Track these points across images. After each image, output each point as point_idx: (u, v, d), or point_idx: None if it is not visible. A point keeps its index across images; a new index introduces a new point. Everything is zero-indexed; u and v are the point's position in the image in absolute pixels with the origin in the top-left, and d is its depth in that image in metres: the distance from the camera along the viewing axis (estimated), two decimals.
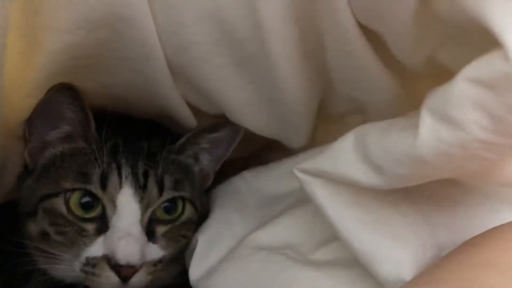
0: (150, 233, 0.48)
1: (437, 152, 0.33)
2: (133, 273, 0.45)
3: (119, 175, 0.47)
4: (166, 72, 0.45)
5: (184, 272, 0.51)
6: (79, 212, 0.46)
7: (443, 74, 0.40)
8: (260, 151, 0.63)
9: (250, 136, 0.55)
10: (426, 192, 0.42)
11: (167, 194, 0.49)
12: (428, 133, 0.33)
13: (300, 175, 0.43)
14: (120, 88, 0.48)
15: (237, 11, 0.41)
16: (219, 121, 0.53)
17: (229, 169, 0.58)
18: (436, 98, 0.34)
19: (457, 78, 0.32)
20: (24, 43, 0.41)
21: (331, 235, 0.44)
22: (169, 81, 0.46)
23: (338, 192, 0.41)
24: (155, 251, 0.48)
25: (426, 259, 0.39)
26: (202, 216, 0.53)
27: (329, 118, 0.54)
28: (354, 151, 0.39)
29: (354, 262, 0.41)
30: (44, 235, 0.47)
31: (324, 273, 0.43)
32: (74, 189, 0.46)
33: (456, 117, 0.32)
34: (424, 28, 0.38)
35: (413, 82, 0.46)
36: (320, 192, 0.41)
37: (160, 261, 0.48)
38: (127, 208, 0.46)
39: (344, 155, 0.40)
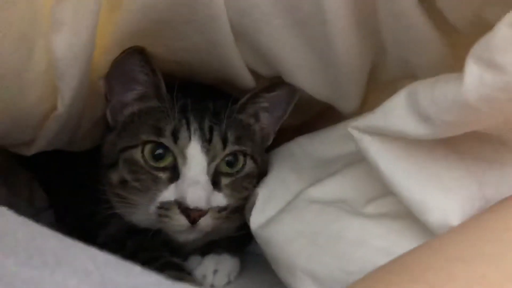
0: (215, 184, 0.53)
1: (481, 97, 0.35)
2: (200, 216, 0.50)
3: (188, 129, 0.52)
4: (229, 34, 0.49)
5: (244, 226, 0.56)
6: (152, 162, 0.52)
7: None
8: (312, 121, 0.67)
9: (304, 103, 0.58)
10: (475, 150, 0.44)
11: (230, 148, 0.53)
12: (473, 78, 0.35)
13: (355, 132, 0.46)
14: (187, 53, 0.53)
15: None
16: (277, 81, 0.56)
17: (282, 138, 0.62)
18: (480, 45, 0.36)
19: (500, 23, 0.35)
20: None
21: (382, 192, 0.47)
22: (231, 43, 0.50)
23: (391, 148, 0.44)
24: (220, 199, 0.53)
25: (474, 209, 0.41)
26: (262, 172, 0.58)
27: (380, 84, 0.57)
28: (405, 105, 0.42)
29: (403, 215, 0.44)
30: (124, 183, 0.53)
31: (374, 222, 0.46)
32: (149, 141, 0.52)
33: (498, 61, 0.34)
34: None
35: (462, 43, 0.46)
36: (373, 148, 0.44)
37: (224, 208, 0.53)
38: (195, 159, 0.51)
39: (396, 110, 0.43)
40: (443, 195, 0.42)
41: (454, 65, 0.48)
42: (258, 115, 0.59)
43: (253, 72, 0.56)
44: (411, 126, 0.41)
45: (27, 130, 0.51)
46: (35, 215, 0.77)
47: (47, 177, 0.73)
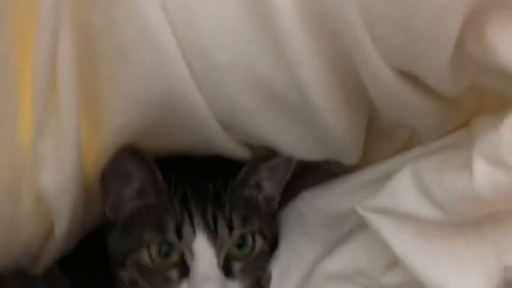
0: (227, 271, 0.52)
1: (494, 193, 0.36)
2: None
3: (192, 224, 0.51)
4: (218, 130, 0.47)
5: None
6: (160, 260, 0.51)
7: (486, 92, 0.42)
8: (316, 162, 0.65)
9: None
10: (491, 215, 0.43)
11: (237, 232, 0.52)
12: (484, 176, 0.36)
13: (363, 213, 0.45)
14: (178, 146, 0.51)
15: (276, 74, 0.42)
16: (274, 150, 0.54)
17: (289, 181, 0.60)
18: (485, 144, 0.37)
19: (504, 126, 0.36)
20: (89, 121, 0.45)
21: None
22: (222, 135, 0.48)
23: (402, 228, 0.43)
24: (235, 287, 0.52)
25: (493, 285, 0.41)
26: (273, 242, 0.57)
27: (379, 132, 0.55)
28: (413, 188, 0.42)
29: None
30: (135, 283, 0.52)
31: None
32: (153, 241, 0.51)
33: (508, 161, 0.35)
34: (460, 68, 0.39)
35: (457, 102, 0.46)
36: (385, 228, 0.44)
37: None
38: (203, 254, 0.50)
39: (403, 191, 0.43)
40: (462, 277, 0.41)
41: (449, 122, 0.48)
42: (260, 185, 0.58)
43: (250, 145, 0.54)
44: (423, 210, 0.41)
45: (27, 258, 0.51)
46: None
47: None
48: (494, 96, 0.43)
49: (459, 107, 0.46)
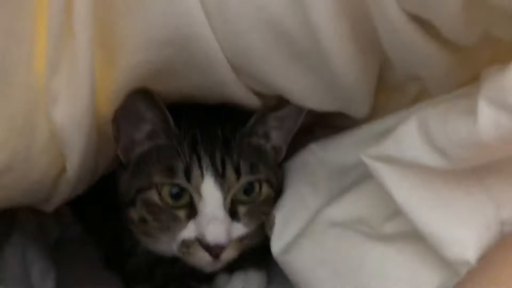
0: (233, 214, 0.53)
1: (497, 137, 0.36)
2: (222, 251, 0.52)
3: (200, 167, 0.52)
4: (229, 73, 0.48)
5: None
6: (170, 201, 0.52)
7: (498, 43, 0.42)
8: (326, 116, 0.65)
9: None
10: (493, 167, 0.43)
11: (244, 179, 0.53)
12: (487, 119, 0.36)
13: (368, 160, 0.45)
14: (190, 89, 0.52)
15: (288, 15, 0.42)
16: (284, 99, 0.54)
17: (298, 135, 0.61)
18: (491, 87, 0.37)
19: (510, 68, 0.35)
20: (103, 58, 0.46)
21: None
22: (233, 79, 0.49)
23: (405, 176, 0.44)
24: (239, 229, 0.54)
25: (490, 239, 0.42)
26: (278, 189, 0.58)
27: (390, 86, 0.55)
28: (418, 135, 0.42)
29: None
30: (144, 221, 0.54)
31: (394, 248, 0.47)
32: (163, 184, 0.52)
33: None
34: (473, 13, 0.38)
35: (469, 52, 0.46)
36: (388, 177, 0.44)
37: (244, 236, 0.54)
38: (210, 196, 0.52)
39: (408, 139, 0.43)
40: (460, 228, 0.42)
41: (461, 73, 0.48)
42: (268, 135, 0.59)
43: (259, 93, 0.55)
44: (426, 157, 0.41)
45: (41, 195, 0.52)
46: (64, 231, 0.80)
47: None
48: (507, 48, 0.42)
49: (471, 59, 0.46)
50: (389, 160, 0.44)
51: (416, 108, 0.49)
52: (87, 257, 0.73)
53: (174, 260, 0.56)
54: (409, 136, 0.42)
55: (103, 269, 0.69)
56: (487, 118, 0.36)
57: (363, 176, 0.52)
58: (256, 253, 0.61)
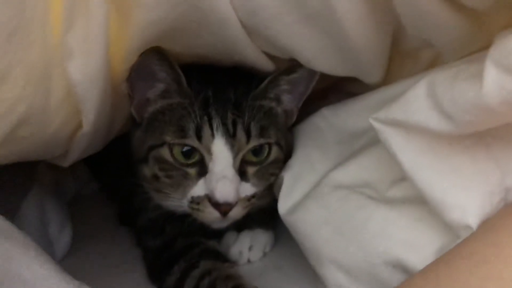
0: (242, 174, 0.55)
1: (502, 101, 0.36)
2: (231, 209, 0.53)
3: (211, 126, 0.53)
4: (241, 33, 0.48)
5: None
6: (181, 159, 0.54)
7: None
8: (339, 82, 0.65)
9: None
10: (500, 135, 0.44)
11: (254, 141, 0.55)
12: (492, 83, 0.36)
13: (375, 124, 0.46)
14: (203, 49, 0.53)
15: None
16: (296, 62, 0.55)
17: (310, 100, 0.62)
18: (499, 50, 0.36)
19: None
20: (117, 16, 0.47)
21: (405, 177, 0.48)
22: (245, 39, 0.49)
23: (411, 141, 0.44)
24: (248, 189, 0.55)
25: (493, 205, 0.42)
26: (288, 152, 0.59)
27: (403, 53, 0.55)
28: (426, 99, 0.42)
29: None
30: (156, 178, 0.56)
31: (398, 211, 0.47)
32: (174, 143, 0.54)
33: None
34: None
35: (483, 18, 0.45)
36: (394, 140, 0.45)
37: (253, 196, 0.56)
38: (220, 155, 0.53)
39: (416, 103, 0.43)
40: (464, 193, 0.42)
41: (475, 40, 0.47)
42: (279, 98, 0.59)
43: (271, 56, 0.55)
44: (433, 121, 0.41)
45: (58, 149, 0.54)
46: (80, 187, 0.83)
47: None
48: None
49: (486, 24, 0.45)
50: (396, 123, 0.44)
51: (428, 73, 0.49)
52: (102, 213, 0.77)
53: (183, 217, 0.58)
54: (417, 99, 0.43)
55: (116, 224, 0.73)
56: (493, 81, 0.35)
57: (371, 142, 0.53)
58: (264, 215, 0.63)
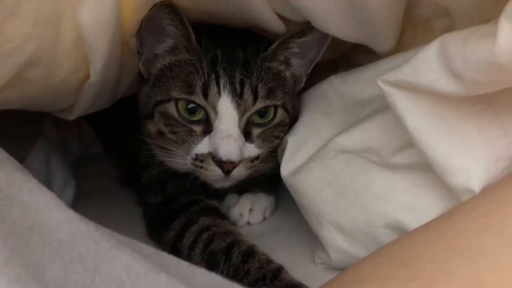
0: (247, 135, 0.55)
1: None
2: (234, 167, 0.53)
3: (218, 85, 0.53)
4: None
5: (279, 165, 0.58)
6: (186, 115, 0.54)
7: None
8: (349, 53, 0.65)
9: (338, 39, 0.56)
10: (509, 105, 0.43)
11: (261, 103, 0.54)
12: (506, 39, 0.35)
13: (383, 86, 0.45)
14: (215, 4, 0.52)
15: None
16: (307, 26, 0.54)
17: (319, 70, 0.61)
18: None
19: None
20: None
21: (410, 141, 0.47)
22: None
23: (419, 104, 0.44)
24: (252, 150, 0.55)
25: (497, 172, 0.42)
26: (294, 117, 0.59)
27: (416, 22, 0.54)
28: (437, 60, 0.41)
29: (429, 167, 0.45)
30: (161, 134, 0.56)
31: (400, 176, 0.47)
32: (180, 98, 0.54)
33: None
34: None
35: None
36: (401, 103, 0.44)
37: (256, 157, 0.56)
38: (226, 113, 0.53)
39: (426, 64, 0.42)
40: (469, 157, 0.42)
41: (489, 9, 0.46)
42: (289, 61, 0.59)
43: (283, 18, 0.54)
44: (442, 82, 0.41)
45: (65, 99, 0.54)
46: (85, 148, 0.84)
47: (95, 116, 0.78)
48: None
49: None
50: (405, 86, 0.44)
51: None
52: (105, 173, 0.77)
53: (186, 175, 0.58)
54: (428, 61, 0.42)
55: (119, 185, 0.73)
56: (507, 37, 0.35)
57: (378, 110, 0.53)
58: (266, 180, 0.63)
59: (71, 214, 0.31)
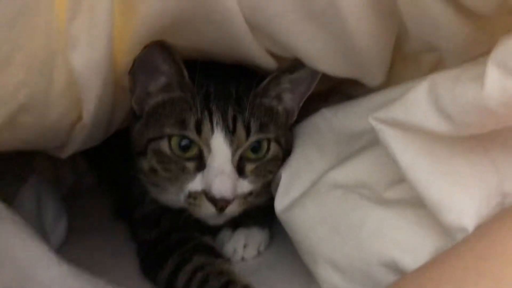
0: (240, 170, 0.55)
1: (503, 102, 0.36)
2: (227, 205, 0.53)
3: (211, 121, 0.53)
4: (245, 30, 0.49)
5: (273, 198, 0.58)
6: (179, 152, 0.54)
7: None
8: (340, 84, 0.66)
9: None
10: (500, 140, 0.44)
11: (253, 137, 0.54)
12: (494, 84, 0.36)
13: (375, 123, 0.46)
14: (206, 44, 0.53)
15: None
16: (298, 62, 0.55)
17: (311, 102, 0.62)
18: (501, 52, 0.36)
19: None
20: (123, 7, 0.47)
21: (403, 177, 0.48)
22: (249, 36, 0.50)
23: (411, 141, 0.44)
24: (245, 186, 0.55)
25: (490, 209, 0.42)
26: (287, 151, 0.59)
27: (405, 55, 0.55)
28: (427, 100, 0.42)
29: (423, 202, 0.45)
30: (154, 171, 0.56)
31: (394, 212, 0.47)
32: (174, 135, 0.54)
33: None
34: None
35: (486, 22, 0.45)
36: (393, 140, 0.45)
37: (250, 193, 0.56)
38: (219, 150, 0.53)
39: (417, 103, 0.43)
40: (461, 195, 0.42)
41: (478, 44, 0.47)
42: (280, 96, 0.59)
43: (274, 55, 0.55)
44: (432, 121, 0.41)
45: (57, 139, 0.54)
46: (78, 180, 0.83)
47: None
48: None
49: (489, 29, 0.45)
50: (396, 123, 0.44)
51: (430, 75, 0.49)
52: (98, 206, 0.76)
53: (179, 212, 0.58)
54: (418, 100, 0.42)
55: (112, 218, 0.73)
56: (495, 82, 0.35)
57: (370, 143, 0.53)
58: (260, 213, 0.63)
59: (63, 270, 0.31)
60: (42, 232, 0.65)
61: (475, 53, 0.48)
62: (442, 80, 0.42)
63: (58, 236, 0.67)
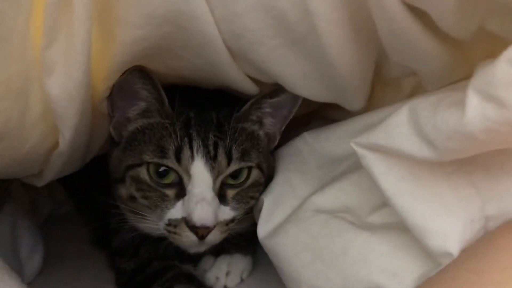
0: (221, 197, 0.54)
1: (484, 129, 0.36)
2: (208, 232, 0.52)
3: (191, 148, 0.52)
4: (226, 55, 0.48)
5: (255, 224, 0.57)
6: (157, 178, 0.53)
7: (495, 40, 0.42)
8: (322, 108, 0.66)
9: None
10: (480, 163, 0.44)
11: (235, 165, 0.54)
12: (474, 111, 0.36)
13: (357, 148, 0.46)
14: (187, 70, 0.52)
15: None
16: (279, 87, 0.55)
17: (293, 125, 0.62)
18: (481, 78, 0.37)
19: (500, 60, 0.35)
20: (101, 35, 0.46)
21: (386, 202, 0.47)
22: (229, 62, 0.49)
23: (393, 167, 0.44)
24: (227, 212, 0.54)
25: (473, 233, 0.42)
26: (269, 176, 0.58)
27: (386, 80, 0.56)
28: (408, 125, 0.42)
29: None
30: (133, 199, 0.55)
31: (378, 237, 0.47)
32: (152, 162, 0.53)
33: (500, 96, 0.35)
34: (468, 6, 0.39)
35: (465, 48, 0.46)
36: (376, 166, 0.44)
37: (231, 220, 0.55)
38: (200, 177, 0.52)
39: (398, 129, 0.43)
40: (444, 220, 0.42)
41: (457, 70, 0.48)
42: (262, 121, 0.59)
43: (256, 80, 0.55)
44: (414, 148, 0.41)
45: (33, 167, 0.53)
46: (55, 207, 0.81)
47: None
48: (503, 44, 0.43)
49: (467, 55, 0.46)
50: (378, 148, 0.44)
51: (410, 100, 0.49)
52: (76, 234, 0.74)
53: (159, 240, 0.56)
54: (399, 125, 0.43)
55: (90, 246, 0.71)
56: (475, 109, 0.36)
57: (352, 167, 0.53)
58: (243, 239, 0.62)
59: None
60: (17, 262, 0.64)
61: (454, 78, 0.48)
62: (422, 106, 0.42)
63: (34, 265, 0.65)
